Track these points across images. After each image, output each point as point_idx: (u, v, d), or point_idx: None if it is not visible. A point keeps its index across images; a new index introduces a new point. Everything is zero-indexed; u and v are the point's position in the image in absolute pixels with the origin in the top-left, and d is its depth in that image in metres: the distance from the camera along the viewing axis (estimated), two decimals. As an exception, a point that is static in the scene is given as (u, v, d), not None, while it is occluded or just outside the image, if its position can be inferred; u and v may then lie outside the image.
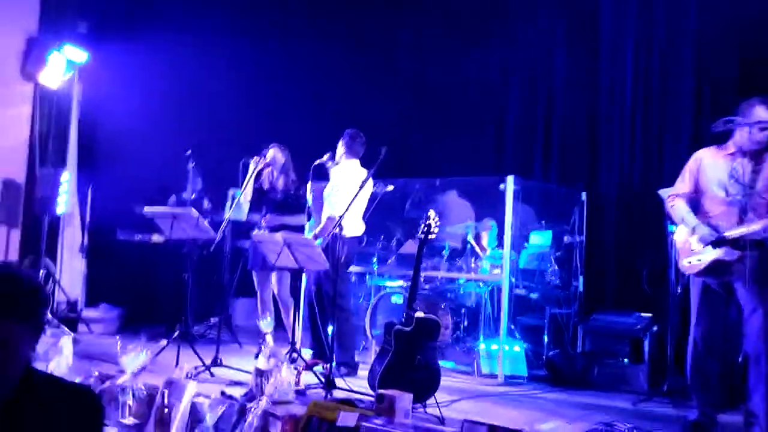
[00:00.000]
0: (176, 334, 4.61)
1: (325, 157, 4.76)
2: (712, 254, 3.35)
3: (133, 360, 3.93)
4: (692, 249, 3.46)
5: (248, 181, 4.97)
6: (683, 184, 3.62)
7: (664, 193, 4.91)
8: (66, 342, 4.09)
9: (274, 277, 4.99)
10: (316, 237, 4.60)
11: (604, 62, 6.22)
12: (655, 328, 4.97)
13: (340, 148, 4.86)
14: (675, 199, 3.62)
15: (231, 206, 5.52)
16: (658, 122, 5.87)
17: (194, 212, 4.53)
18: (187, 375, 3.95)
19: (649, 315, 5.05)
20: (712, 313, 3.44)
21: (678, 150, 5.70)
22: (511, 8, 6.83)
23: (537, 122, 6.67)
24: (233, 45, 7.18)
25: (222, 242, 5.74)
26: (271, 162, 5.07)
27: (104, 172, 6.62)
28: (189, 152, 5.65)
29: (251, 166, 4.95)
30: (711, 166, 3.49)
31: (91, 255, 6.48)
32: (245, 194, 5.02)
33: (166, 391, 3.60)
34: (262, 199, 5.13)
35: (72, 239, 6.35)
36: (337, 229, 4.12)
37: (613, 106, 6.13)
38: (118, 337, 4.35)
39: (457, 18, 6.98)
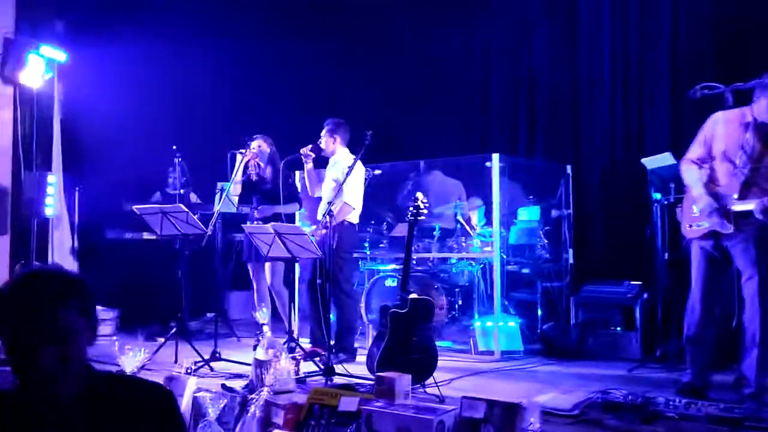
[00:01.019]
0: (173, 331, 4.63)
1: (307, 149, 4.75)
2: (709, 220, 3.40)
3: (132, 359, 3.95)
4: (693, 215, 3.51)
5: (236, 174, 4.98)
6: (698, 148, 3.53)
7: (647, 161, 4.99)
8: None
9: (267, 268, 5.01)
10: (325, 226, 4.44)
11: (583, 37, 6.26)
12: (645, 296, 5.05)
13: (329, 139, 4.86)
14: (687, 163, 3.56)
15: (220, 199, 5.53)
16: (636, 94, 5.94)
17: (183, 208, 4.53)
18: (186, 371, 3.98)
19: (639, 283, 5.13)
20: (711, 277, 3.49)
21: (657, 120, 5.78)
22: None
23: (520, 99, 6.72)
24: (212, 37, 7.13)
25: (213, 236, 5.76)
26: (257, 153, 5.07)
27: (90, 171, 6.57)
28: (175, 147, 5.64)
29: (238, 159, 4.95)
30: (728, 132, 3.38)
31: (82, 257, 6.45)
32: (234, 187, 5.02)
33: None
34: (251, 191, 5.13)
35: (62, 242, 6.32)
36: (327, 218, 4.15)
37: (592, 80, 6.19)
38: (115, 338, 4.36)
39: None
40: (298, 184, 5.37)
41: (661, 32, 5.80)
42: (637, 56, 5.96)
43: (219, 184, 5.82)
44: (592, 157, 6.13)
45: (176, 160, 5.64)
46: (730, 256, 3.42)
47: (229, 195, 4.97)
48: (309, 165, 4.86)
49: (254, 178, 5.14)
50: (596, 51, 6.17)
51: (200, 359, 4.33)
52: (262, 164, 5.12)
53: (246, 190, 5.13)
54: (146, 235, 6.14)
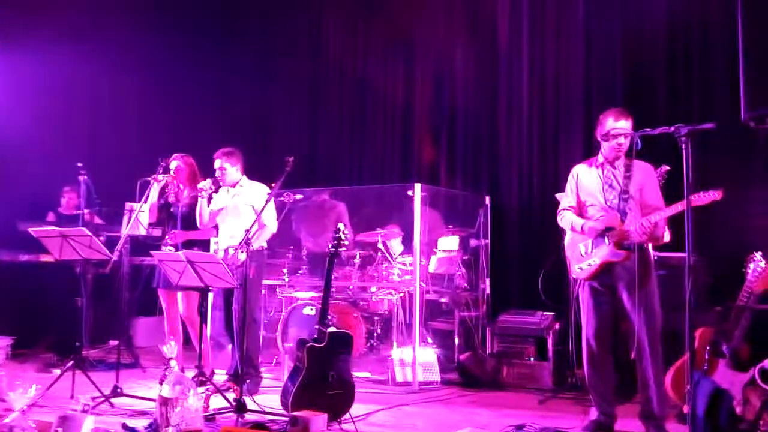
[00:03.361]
0: (70, 362, 4.29)
1: (207, 184, 4.58)
2: (600, 254, 3.57)
3: (22, 395, 3.61)
4: (581, 254, 3.70)
5: (150, 198, 4.71)
6: (567, 198, 3.88)
7: (560, 197, 5.17)
8: (-59, 382, 3.68)
9: (179, 295, 4.74)
10: (238, 248, 4.35)
11: (502, 72, 6.48)
12: (557, 326, 5.19)
13: (232, 168, 4.71)
14: (563, 212, 3.87)
15: (128, 221, 5.22)
16: (552, 130, 6.20)
17: (86, 231, 4.22)
18: (83, 408, 3.67)
19: (552, 313, 5.26)
20: (600, 312, 3.68)
21: (571, 157, 6.00)
22: (415, 19, 6.93)
23: (441, 130, 6.82)
24: (127, 52, 6.81)
25: (120, 260, 5.41)
26: (174, 174, 4.82)
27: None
28: (80, 164, 5.29)
29: (153, 185, 4.68)
30: (587, 178, 3.77)
31: (-30, 279, 5.91)
32: (150, 214, 4.75)
33: (60, 429, 3.33)
34: (168, 215, 4.87)
35: (-53, 262, 5.77)
36: (244, 245, 4.00)
37: (511, 114, 6.41)
38: (2, 372, 3.97)
39: (362, 25, 6.99)
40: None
41: (574, 72, 6.10)
42: (552, 94, 6.23)
43: (128, 205, 5.48)
44: (509, 189, 6.31)
45: (81, 178, 5.28)
46: (615, 288, 3.61)
47: (141, 220, 4.69)
48: (204, 200, 4.67)
49: (171, 199, 4.88)
50: (515, 85, 6.39)
51: (99, 394, 4.02)
52: (180, 185, 4.87)
53: (162, 213, 4.86)
54: (44, 258, 5.69)
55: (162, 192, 4.84)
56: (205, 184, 4.58)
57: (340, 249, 3.97)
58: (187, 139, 6.50)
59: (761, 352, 3.60)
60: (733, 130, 3.99)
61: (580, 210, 3.78)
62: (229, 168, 4.72)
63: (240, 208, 4.69)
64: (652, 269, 3.59)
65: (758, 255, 3.69)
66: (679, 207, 3.27)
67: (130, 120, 7.00)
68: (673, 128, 3.30)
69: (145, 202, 4.71)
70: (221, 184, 4.74)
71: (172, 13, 7.21)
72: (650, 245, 3.64)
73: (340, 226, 3.97)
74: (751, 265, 3.67)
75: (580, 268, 3.70)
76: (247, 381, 4.34)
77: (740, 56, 3.44)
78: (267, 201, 4.36)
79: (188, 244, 4.71)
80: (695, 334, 3.70)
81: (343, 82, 7.20)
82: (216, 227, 4.86)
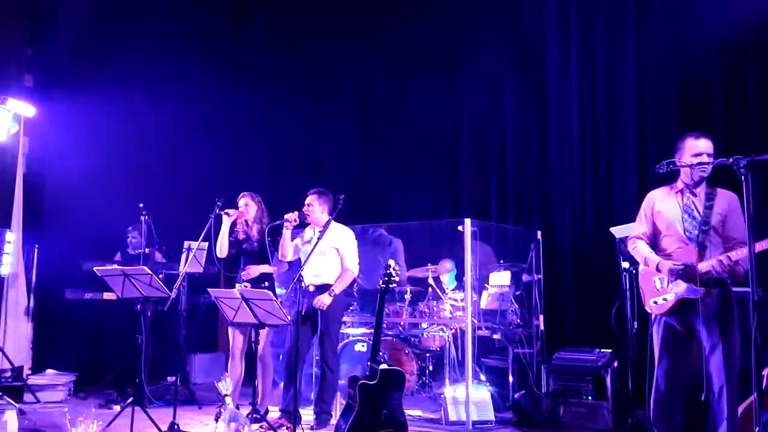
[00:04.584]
0: (130, 399, 4.40)
1: (294, 216, 4.68)
2: (677, 290, 3.39)
3: (84, 430, 3.72)
4: (657, 289, 3.50)
5: (223, 235, 4.85)
6: (641, 225, 3.66)
7: (615, 231, 5.04)
8: (10, 416, 3.84)
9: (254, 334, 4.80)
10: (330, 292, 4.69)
11: (552, 105, 6.43)
12: (615, 364, 5.01)
13: (319, 208, 4.81)
14: (636, 241, 3.66)
15: (187, 259, 5.38)
16: (605, 161, 6.07)
17: (147, 270, 4.38)
18: (142, 444, 3.76)
19: (610, 350, 5.09)
20: (674, 351, 3.46)
21: (626, 188, 5.90)
22: (461, 54, 7.00)
23: (491, 164, 6.80)
24: (183, 97, 7.12)
25: (177, 297, 5.57)
26: (243, 212, 4.97)
27: (51, 229, 6.39)
28: (142, 205, 5.52)
29: (224, 219, 4.84)
30: (664, 206, 3.56)
31: (37, 317, 6.18)
32: (221, 249, 4.89)
33: (121, 464, 3.41)
34: (239, 252, 5.00)
35: (16, 302, 6.05)
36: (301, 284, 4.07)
37: (562, 147, 6.33)
38: (66, 408, 4.11)
39: (409, 63, 7.11)
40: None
41: (628, 101, 5.99)
42: (604, 124, 6.13)
43: (186, 243, 5.68)
44: (561, 223, 6.20)
45: (143, 218, 5.50)
46: (694, 330, 3.41)
47: (216, 256, 4.83)
48: (288, 231, 4.77)
49: (242, 236, 5.01)
50: (565, 119, 6.33)
51: (157, 431, 4.10)
52: (250, 222, 5.01)
53: (234, 251, 4.98)
54: (106, 296, 5.91)
55: (232, 229, 4.97)
56: (291, 216, 4.66)
57: (390, 285, 3.98)
58: (240, 177, 6.70)
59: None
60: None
61: (654, 239, 3.57)
62: (316, 207, 4.81)
63: (325, 248, 4.76)
64: (733, 307, 3.35)
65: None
66: (764, 245, 3.06)
67: (188, 160, 7.26)
68: (731, 159, 3.20)
69: (215, 237, 4.82)
70: (306, 220, 4.83)
71: (229, 55, 7.53)
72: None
73: (391, 262, 4.00)
74: (821, 300, 3.49)
75: (655, 302, 3.50)
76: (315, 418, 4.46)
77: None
78: (320, 237, 4.42)
79: (261, 279, 4.82)
80: (763, 372, 3.51)
81: (391, 119, 7.30)
82: (288, 263, 4.95)
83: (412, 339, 5.69)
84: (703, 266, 3.32)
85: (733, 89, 5.46)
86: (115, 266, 4.74)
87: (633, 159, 5.88)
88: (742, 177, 2.86)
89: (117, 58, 6.92)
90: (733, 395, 3.29)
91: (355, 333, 5.68)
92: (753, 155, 3.05)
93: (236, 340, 4.89)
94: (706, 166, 3.37)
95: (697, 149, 3.38)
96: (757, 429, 2.78)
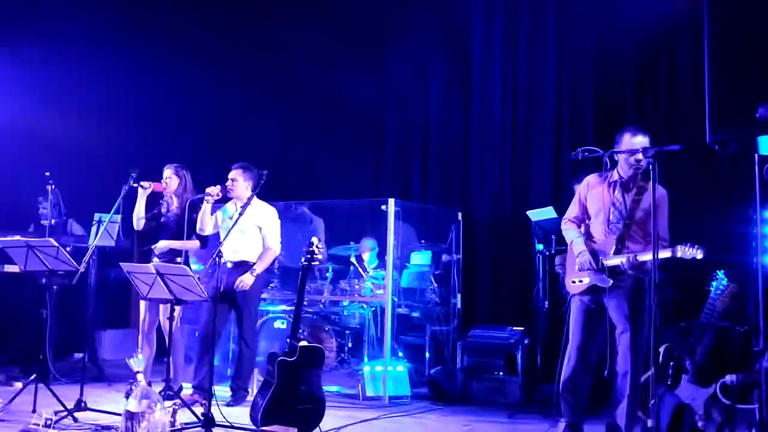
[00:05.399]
0: (33, 375, 4.18)
1: (216, 190, 4.53)
2: (590, 276, 3.59)
3: (-18, 410, 3.52)
4: (576, 270, 3.69)
5: (137, 209, 4.65)
6: (574, 208, 3.80)
7: (531, 214, 5.25)
8: None
9: (162, 308, 4.65)
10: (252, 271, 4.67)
11: (476, 92, 6.56)
12: (526, 341, 5.25)
13: (244, 183, 4.68)
14: (568, 223, 3.80)
15: (97, 232, 5.12)
16: (524, 148, 6.28)
17: (53, 242, 4.14)
18: (45, 422, 3.59)
19: (521, 328, 5.32)
20: (587, 328, 3.65)
21: (542, 174, 6.13)
22: (390, 34, 6.99)
23: (414, 146, 6.87)
24: (98, 62, 6.72)
25: (87, 271, 5.31)
26: (162, 185, 4.76)
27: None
28: (48, 173, 5.20)
29: (139, 192, 4.62)
30: (595, 193, 3.65)
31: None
32: (136, 221, 4.69)
33: (22, 444, 3.25)
34: (158, 227, 4.79)
35: None
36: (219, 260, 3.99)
37: (483, 132, 6.48)
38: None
39: (336, 41, 7.02)
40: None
41: (547, 92, 6.20)
42: (524, 112, 6.32)
43: (96, 216, 5.41)
44: (481, 205, 6.37)
45: (49, 188, 5.19)
46: (605, 308, 3.62)
47: (109, 231, 4.62)
48: (209, 205, 4.63)
49: (163, 210, 4.79)
50: (488, 105, 6.47)
51: (63, 408, 3.92)
52: (172, 196, 4.80)
53: (153, 223, 4.77)
54: (8, 268, 5.55)
55: (152, 202, 4.76)
56: (213, 189, 4.49)
57: (313, 263, 3.96)
58: (161, 149, 6.41)
59: (723, 368, 3.70)
60: (700, 152, 4.06)
61: (583, 222, 3.71)
62: (240, 182, 4.68)
63: (247, 225, 4.65)
64: (644, 294, 3.52)
65: (720, 273, 3.80)
66: (668, 254, 3.23)
67: (102, 129, 6.88)
68: (640, 149, 3.40)
69: (130, 209, 4.61)
70: (228, 194, 4.69)
71: (149, 21, 7.16)
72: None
73: (314, 239, 3.98)
74: (714, 283, 3.79)
75: (573, 282, 3.67)
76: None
77: (706, 82, 3.54)
78: (241, 214, 4.33)
79: (174, 254, 4.67)
80: (659, 349, 3.78)
81: (316, 97, 7.20)
82: (201, 238, 4.80)
83: (333, 316, 5.72)
84: (611, 262, 3.50)
85: (646, 83, 5.75)
86: (17, 238, 4.45)
87: (549, 147, 6.10)
88: (650, 165, 3.04)
89: (39, 13, 6.42)
90: (636, 378, 3.52)
91: (275, 310, 5.64)
92: (660, 146, 3.26)
93: (149, 315, 4.74)
94: (625, 154, 3.48)
95: (632, 146, 3.49)
96: (652, 401, 3.00)
